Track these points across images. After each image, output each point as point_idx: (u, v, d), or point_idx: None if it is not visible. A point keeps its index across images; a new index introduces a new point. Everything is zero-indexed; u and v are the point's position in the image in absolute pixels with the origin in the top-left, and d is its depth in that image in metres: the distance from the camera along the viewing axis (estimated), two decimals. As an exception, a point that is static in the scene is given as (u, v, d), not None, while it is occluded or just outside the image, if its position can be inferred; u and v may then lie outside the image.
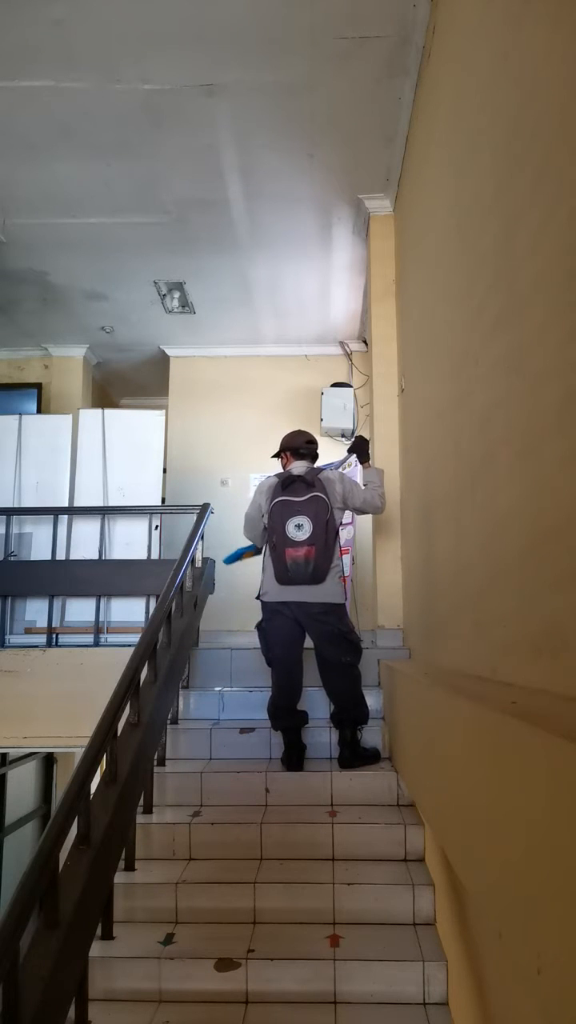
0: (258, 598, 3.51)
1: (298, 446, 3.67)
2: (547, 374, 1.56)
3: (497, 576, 1.98)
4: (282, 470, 3.69)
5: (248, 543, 3.96)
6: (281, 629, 3.42)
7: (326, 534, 3.37)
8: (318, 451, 3.76)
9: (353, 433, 6.18)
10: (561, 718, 1.17)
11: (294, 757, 3.31)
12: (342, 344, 6.94)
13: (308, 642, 3.48)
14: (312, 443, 3.71)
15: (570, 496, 1.42)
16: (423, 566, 3.48)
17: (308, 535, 3.34)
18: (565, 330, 1.45)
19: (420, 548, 3.57)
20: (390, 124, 3.99)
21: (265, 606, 3.48)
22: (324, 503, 3.40)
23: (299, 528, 3.36)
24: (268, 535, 3.48)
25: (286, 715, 3.41)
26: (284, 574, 3.36)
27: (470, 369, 2.34)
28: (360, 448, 3.88)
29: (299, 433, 3.76)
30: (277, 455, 3.77)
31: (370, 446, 4.11)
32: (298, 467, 3.59)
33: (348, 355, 6.94)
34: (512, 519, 1.84)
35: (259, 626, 3.53)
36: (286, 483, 3.50)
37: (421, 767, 2.44)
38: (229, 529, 5.22)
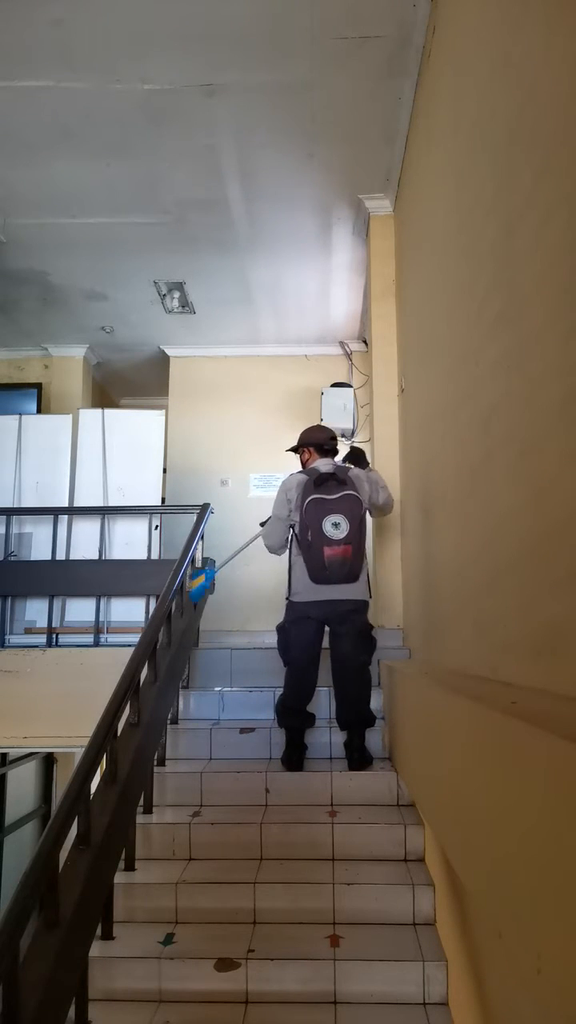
0: (288, 598, 3.48)
1: (323, 442, 3.63)
2: (547, 374, 1.56)
3: (497, 576, 1.98)
4: (301, 466, 3.65)
5: (205, 577, 4.07)
6: (304, 633, 3.40)
7: (360, 532, 3.34)
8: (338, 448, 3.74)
9: (353, 433, 6.18)
10: (561, 718, 1.17)
11: (294, 757, 3.31)
12: (342, 344, 6.93)
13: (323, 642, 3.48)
14: (335, 439, 3.68)
15: (571, 496, 1.42)
16: (423, 566, 3.48)
17: (345, 534, 3.29)
18: (565, 330, 1.45)
19: (420, 548, 3.57)
20: (390, 124, 3.99)
21: (293, 607, 3.44)
22: (358, 501, 3.38)
23: (336, 527, 3.30)
24: (301, 533, 3.38)
25: (295, 715, 3.40)
26: (322, 573, 3.30)
27: (470, 369, 2.34)
28: (357, 456, 3.86)
29: (321, 428, 3.72)
30: (295, 449, 3.71)
31: (366, 452, 4.12)
32: (326, 464, 3.54)
33: (348, 355, 6.93)
34: (512, 519, 1.84)
35: (281, 627, 3.49)
36: (318, 481, 3.41)
37: (421, 767, 2.44)
38: (229, 529, 5.23)
